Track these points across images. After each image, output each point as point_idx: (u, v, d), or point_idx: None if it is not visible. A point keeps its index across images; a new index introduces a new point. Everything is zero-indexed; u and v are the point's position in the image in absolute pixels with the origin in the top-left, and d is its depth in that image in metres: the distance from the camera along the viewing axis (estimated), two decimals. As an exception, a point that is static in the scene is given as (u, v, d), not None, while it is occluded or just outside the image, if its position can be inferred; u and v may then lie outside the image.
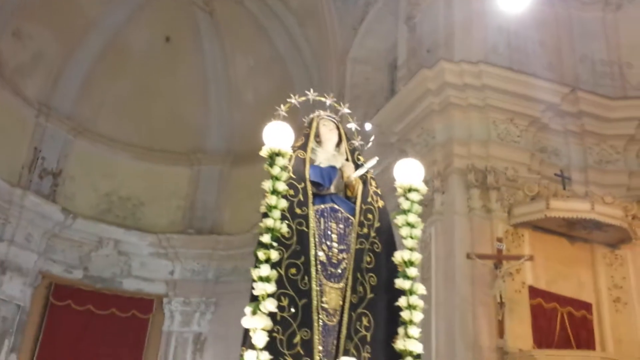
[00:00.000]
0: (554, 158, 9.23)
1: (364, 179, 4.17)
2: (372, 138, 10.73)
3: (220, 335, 12.86)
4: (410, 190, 3.97)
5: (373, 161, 4.17)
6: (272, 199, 3.63)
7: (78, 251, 13.56)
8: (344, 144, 4.34)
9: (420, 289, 3.80)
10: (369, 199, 4.09)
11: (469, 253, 7.98)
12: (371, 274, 3.90)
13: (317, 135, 4.29)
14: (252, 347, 3.34)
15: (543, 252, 8.35)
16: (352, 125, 4.45)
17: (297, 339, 3.57)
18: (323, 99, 4.36)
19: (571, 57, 9.85)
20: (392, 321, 3.82)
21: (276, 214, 3.61)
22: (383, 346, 3.76)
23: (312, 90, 4.35)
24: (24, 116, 13.39)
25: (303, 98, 4.27)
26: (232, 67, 14.90)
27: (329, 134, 4.30)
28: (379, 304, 3.86)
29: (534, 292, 8.06)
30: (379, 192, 4.17)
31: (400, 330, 3.72)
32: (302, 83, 14.09)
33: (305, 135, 4.24)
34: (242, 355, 3.42)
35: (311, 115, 4.37)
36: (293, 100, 4.26)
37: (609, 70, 9.87)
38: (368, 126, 10.51)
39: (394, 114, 9.63)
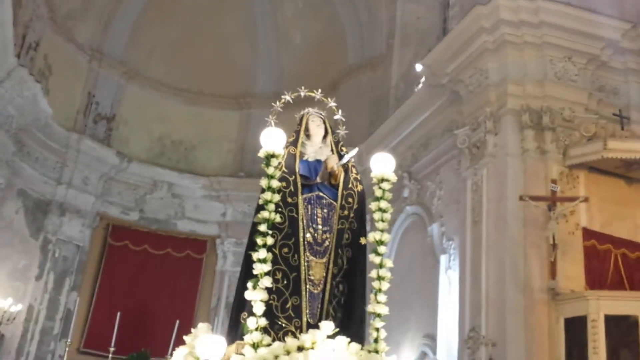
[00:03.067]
0: (612, 97, 8.94)
1: (345, 167, 4.81)
2: (423, 79, 10.62)
3: (272, 276, 13.10)
4: (382, 180, 4.54)
5: (353, 152, 4.79)
6: (267, 195, 4.29)
7: (134, 194, 13.96)
8: (329, 137, 4.98)
9: (389, 263, 4.40)
10: (350, 185, 4.77)
11: (522, 195, 7.89)
12: (347, 248, 4.63)
13: (307, 130, 4.96)
14: (253, 314, 4.01)
15: (598, 193, 8.21)
16: (338, 117, 5.06)
17: (289, 305, 4.37)
18: (312, 94, 5.01)
19: (634, -10, 9.38)
20: (360, 287, 4.57)
21: (271, 207, 4.26)
22: (353, 307, 4.52)
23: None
24: (77, 61, 13.62)
25: (295, 94, 4.98)
26: (280, 9, 14.71)
27: (317, 129, 4.96)
28: (351, 273, 4.60)
29: (587, 233, 7.96)
30: (359, 178, 4.84)
31: (372, 296, 4.38)
32: (351, 24, 13.84)
33: (296, 131, 4.94)
34: (244, 320, 4.06)
35: (301, 112, 5.04)
36: (287, 97, 4.96)
37: (673, 5, 9.39)
38: (419, 67, 10.32)
39: (445, 54, 9.41)
